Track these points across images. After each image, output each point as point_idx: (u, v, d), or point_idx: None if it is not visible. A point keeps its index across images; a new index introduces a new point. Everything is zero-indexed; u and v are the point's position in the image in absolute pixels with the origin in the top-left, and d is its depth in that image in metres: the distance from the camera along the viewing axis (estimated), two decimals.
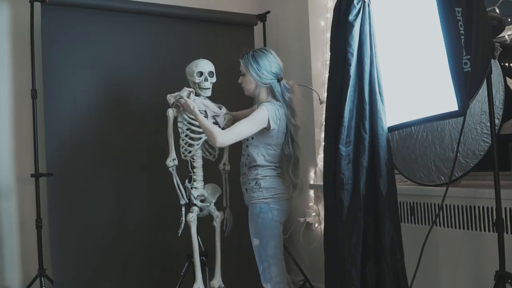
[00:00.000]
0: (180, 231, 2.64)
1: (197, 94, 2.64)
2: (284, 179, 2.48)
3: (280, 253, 2.45)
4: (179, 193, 2.61)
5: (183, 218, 2.64)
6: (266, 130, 2.38)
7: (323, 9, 3.55)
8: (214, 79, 2.68)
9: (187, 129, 2.62)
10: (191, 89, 2.58)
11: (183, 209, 2.64)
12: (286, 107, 2.43)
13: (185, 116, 2.60)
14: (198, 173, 2.65)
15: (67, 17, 3.01)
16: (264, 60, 2.40)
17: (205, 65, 2.66)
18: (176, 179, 2.61)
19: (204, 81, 2.63)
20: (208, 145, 2.69)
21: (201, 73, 2.63)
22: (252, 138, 2.42)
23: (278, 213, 2.42)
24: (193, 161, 2.64)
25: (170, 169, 2.60)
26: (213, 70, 2.69)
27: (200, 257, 2.72)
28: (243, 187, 2.50)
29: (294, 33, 3.71)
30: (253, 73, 2.40)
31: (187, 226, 2.63)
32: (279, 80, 2.43)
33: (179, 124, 2.62)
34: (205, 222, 2.75)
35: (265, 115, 2.34)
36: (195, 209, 2.64)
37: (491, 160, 2.09)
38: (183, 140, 2.62)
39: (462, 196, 2.48)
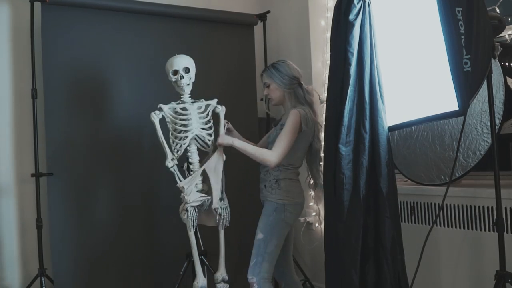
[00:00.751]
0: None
1: (179, 93, 2.58)
2: (299, 183, 2.55)
3: (278, 253, 2.48)
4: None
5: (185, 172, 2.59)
6: (298, 132, 2.45)
7: (323, 9, 3.55)
8: (191, 74, 2.56)
9: (172, 129, 2.57)
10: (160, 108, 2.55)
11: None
12: (310, 108, 2.54)
13: (168, 115, 2.55)
14: (196, 169, 2.58)
15: (67, 17, 3.01)
16: (284, 67, 2.55)
17: (179, 62, 2.53)
18: (178, 178, 2.55)
19: (180, 78, 2.52)
20: (201, 140, 2.59)
21: (175, 71, 2.53)
22: None
23: (291, 216, 2.48)
24: (189, 158, 2.59)
25: (171, 169, 2.57)
26: (190, 66, 2.55)
27: (199, 256, 2.70)
28: (263, 183, 2.55)
29: (294, 32, 3.71)
30: (277, 81, 2.54)
31: (185, 225, 2.58)
32: (300, 84, 2.56)
33: (168, 125, 2.58)
34: None
35: (298, 119, 2.43)
36: (192, 209, 2.57)
37: (492, 160, 2.10)
38: (170, 138, 2.58)
39: (463, 196, 2.48)
